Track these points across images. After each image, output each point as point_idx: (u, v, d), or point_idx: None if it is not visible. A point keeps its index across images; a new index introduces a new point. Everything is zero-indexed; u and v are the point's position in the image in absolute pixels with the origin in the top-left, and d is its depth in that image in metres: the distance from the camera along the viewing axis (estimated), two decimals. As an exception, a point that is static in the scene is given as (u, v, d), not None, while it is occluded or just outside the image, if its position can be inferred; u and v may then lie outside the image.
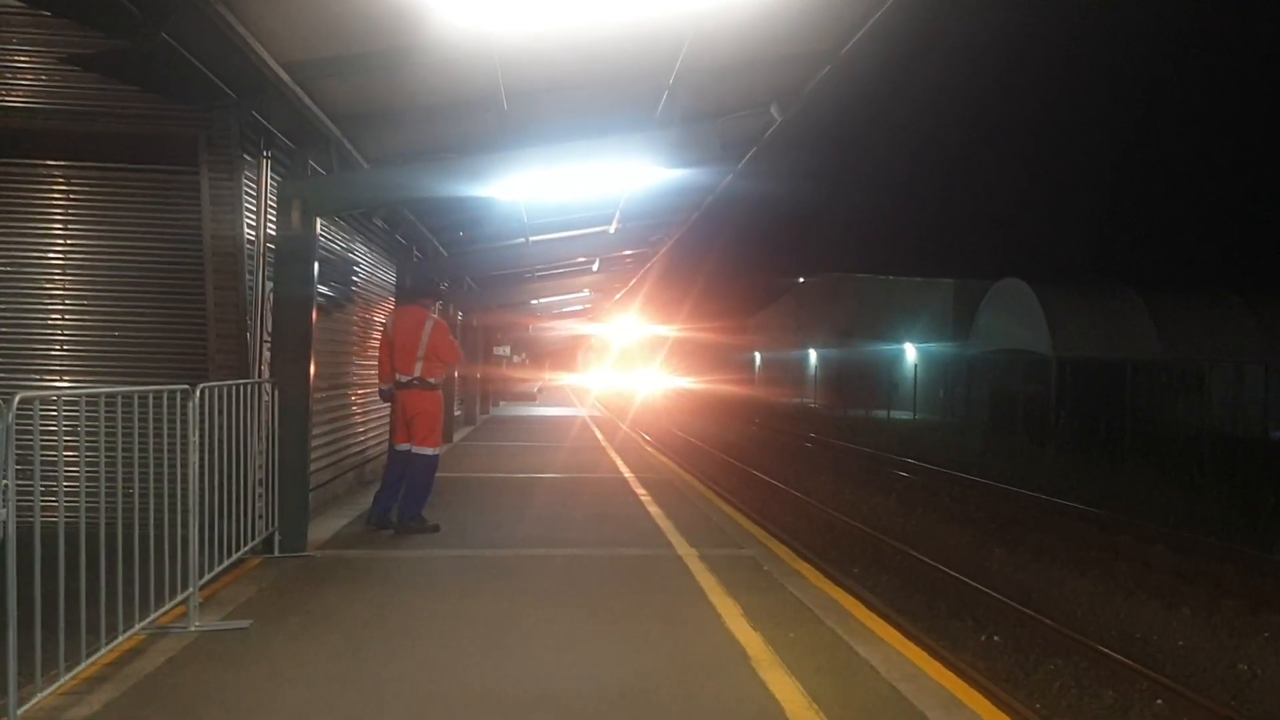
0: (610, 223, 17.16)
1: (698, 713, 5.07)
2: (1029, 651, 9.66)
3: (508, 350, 38.00)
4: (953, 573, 12.47)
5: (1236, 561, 13.71)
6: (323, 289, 10.69)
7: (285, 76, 7.39)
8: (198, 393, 6.21)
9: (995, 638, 10.09)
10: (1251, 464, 23.28)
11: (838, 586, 8.33)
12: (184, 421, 6.05)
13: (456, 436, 21.16)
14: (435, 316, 9.98)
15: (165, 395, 5.87)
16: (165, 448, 5.82)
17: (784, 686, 5.38)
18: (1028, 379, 36.14)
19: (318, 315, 9.83)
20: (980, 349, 41.83)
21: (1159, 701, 8.37)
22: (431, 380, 9.80)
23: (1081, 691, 8.66)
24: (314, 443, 9.57)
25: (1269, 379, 34.32)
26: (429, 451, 9.83)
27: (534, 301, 28.84)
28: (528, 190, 11.39)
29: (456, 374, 10.34)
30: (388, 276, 14.37)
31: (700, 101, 10.26)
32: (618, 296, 37.22)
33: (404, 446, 9.80)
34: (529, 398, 44.72)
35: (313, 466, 9.51)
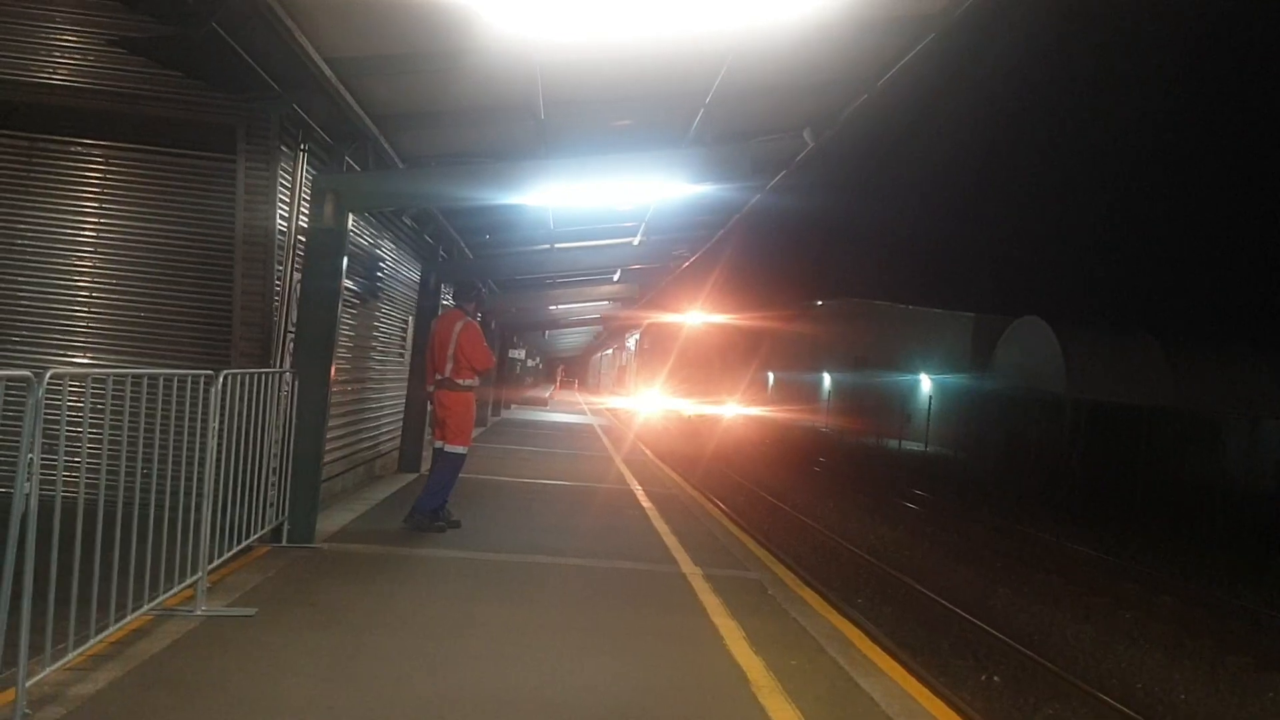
0: (635, 235, 17.22)
1: (696, 733, 5.08)
2: (1029, 694, 9.63)
3: (523, 354, 38.15)
4: (956, 609, 12.45)
5: (1243, 617, 13.66)
6: (348, 283, 10.75)
7: (328, 72, 7.45)
8: (221, 379, 6.26)
9: (995, 678, 10.06)
10: (1263, 519, 23.17)
11: (842, 616, 8.32)
12: (205, 407, 6.10)
13: (468, 438, 21.19)
14: (468, 319, 10.12)
15: (190, 380, 5.92)
16: (185, 431, 5.87)
17: (784, 713, 5.38)
18: (1043, 418, 35.99)
19: (341, 310, 9.92)
20: (997, 384, 41.68)
21: (1156, 753, 8.35)
22: (460, 381, 9.95)
23: (1078, 738, 8.63)
24: (328, 435, 9.60)
25: (1286, 432, 34.08)
26: (457, 450, 10.07)
27: (552, 308, 28.91)
28: (558, 199, 11.44)
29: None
30: (412, 274, 14.44)
31: (735, 122, 10.31)
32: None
33: (438, 444, 10.13)
34: (540, 402, 44.81)
35: (326, 459, 9.56)
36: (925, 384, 47.09)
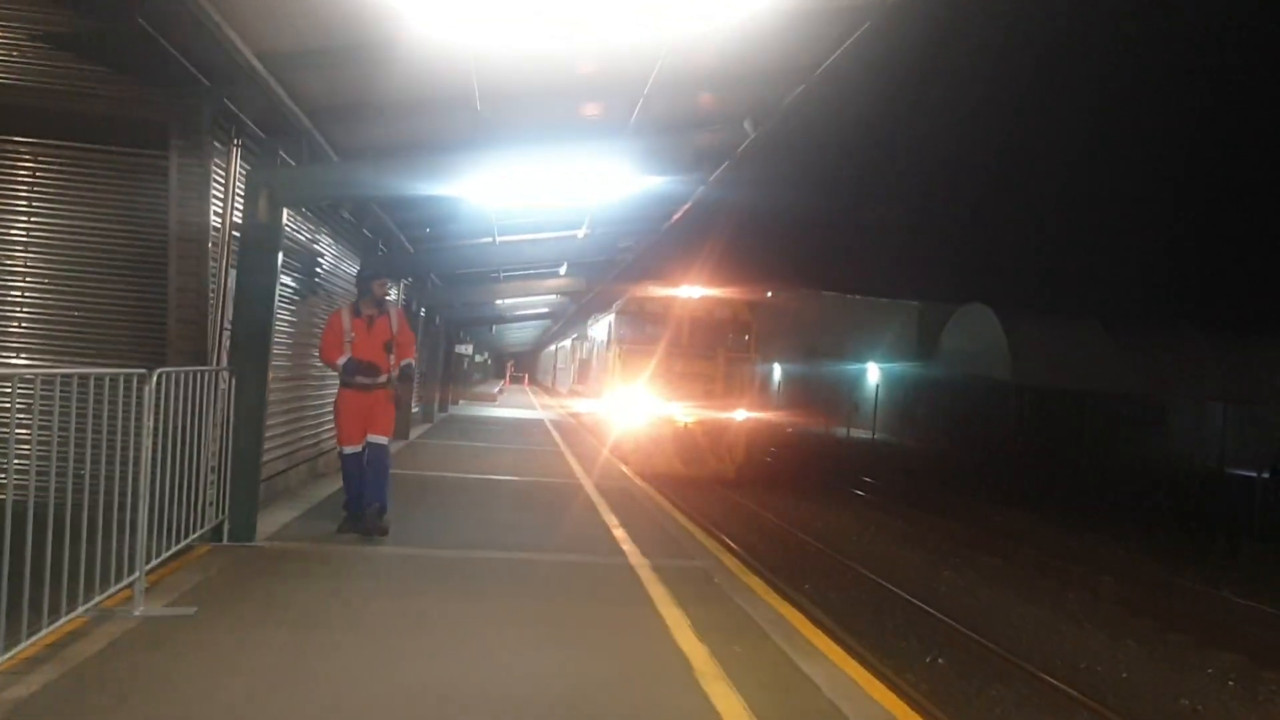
0: (580, 227, 17.19)
1: (638, 722, 5.10)
2: (974, 676, 9.74)
3: (470, 349, 37.87)
4: (902, 593, 12.58)
5: (1185, 596, 13.93)
6: (286, 280, 10.64)
7: (258, 66, 7.36)
8: (154, 378, 6.18)
9: (940, 660, 10.17)
10: (1207, 499, 23.65)
11: (786, 601, 8.39)
12: (139, 406, 6.02)
13: (413, 434, 21.12)
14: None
15: (121, 379, 5.83)
16: (119, 430, 5.78)
17: (726, 700, 5.41)
18: (989, 404, 36.45)
19: (279, 306, 9.82)
20: (944, 371, 42.15)
21: (1097, 731, 8.48)
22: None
23: (1023, 718, 8.74)
24: (269, 433, 9.51)
25: (1227, 416, 34.84)
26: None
27: (499, 302, 28.78)
28: (497, 191, 11.39)
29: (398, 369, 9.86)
30: (352, 269, 14.31)
31: (676, 113, 10.32)
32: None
33: None
34: (489, 398, 44.60)
35: (266, 457, 9.46)
36: (873, 373, 47.52)
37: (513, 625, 6.70)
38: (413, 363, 9.87)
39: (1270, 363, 38.57)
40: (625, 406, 22.23)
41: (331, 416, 10.04)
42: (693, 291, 23.24)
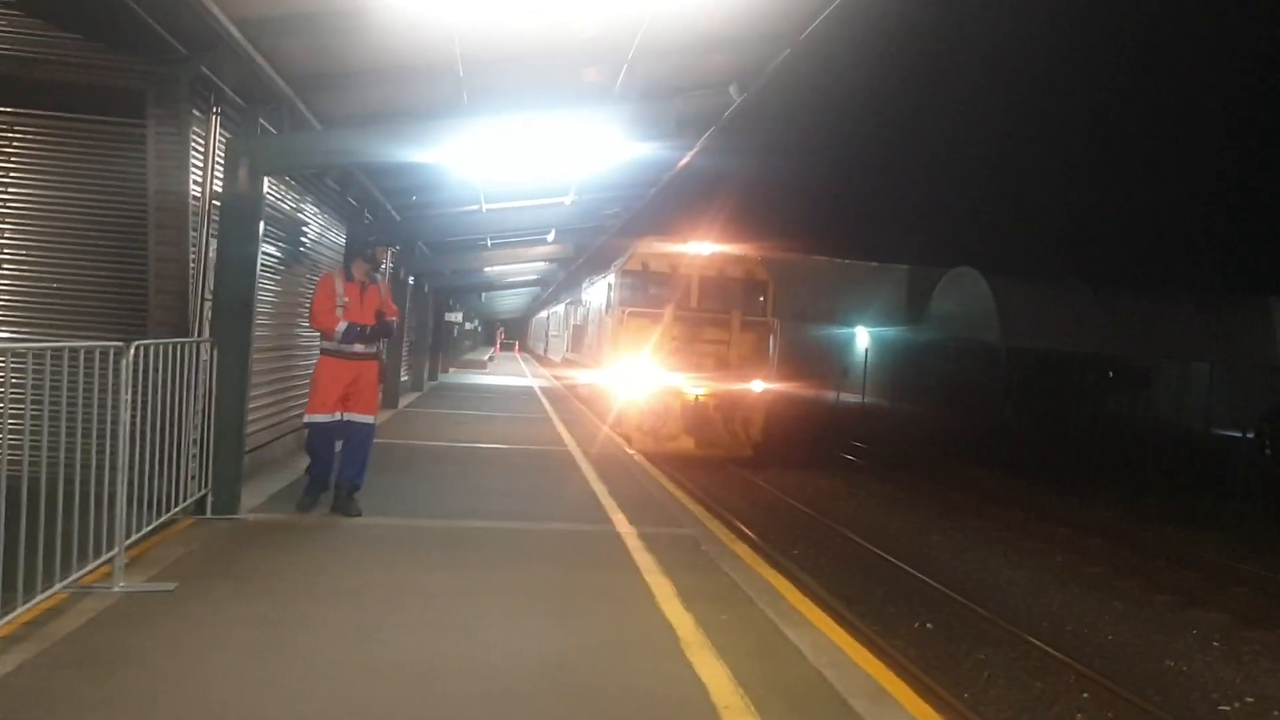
0: (567, 194, 17.08)
1: (621, 692, 5.08)
2: (961, 640, 9.77)
3: (459, 317, 37.72)
4: (891, 558, 12.61)
5: (1170, 556, 14.00)
6: (270, 249, 10.55)
7: (237, 33, 7.24)
8: (132, 350, 6.10)
9: (928, 625, 10.20)
10: (1193, 460, 23.75)
11: (773, 569, 8.38)
12: (116, 379, 5.95)
13: (402, 403, 21.07)
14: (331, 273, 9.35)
15: (98, 352, 5.76)
16: (96, 404, 5.73)
17: (711, 669, 5.40)
18: (977, 366, 36.50)
19: (263, 276, 9.72)
20: (933, 335, 42.17)
21: (1085, 695, 8.51)
22: (320, 343, 9.00)
23: (1010, 682, 8.77)
24: (253, 404, 9.44)
25: (1214, 378, 34.98)
26: (308, 419, 8.98)
27: (488, 269, 28.65)
28: (482, 157, 11.28)
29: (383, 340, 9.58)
30: (338, 238, 14.21)
31: (659, 78, 10.21)
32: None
33: None
34: (479, 365, 44.53)
35: (251, 429, 9.40)
36: (862, 337, 47.53)
37: (497, 595, 6.67)
38: (392, 323, 9.30)
39: (1253, 324, 38.68)
40: (628, 378, 19.77)
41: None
42: (703, 248, 20.66)
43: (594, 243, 24.85)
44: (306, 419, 8.89)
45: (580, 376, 28.32)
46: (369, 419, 9.06)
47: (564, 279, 35.10)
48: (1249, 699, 8.83)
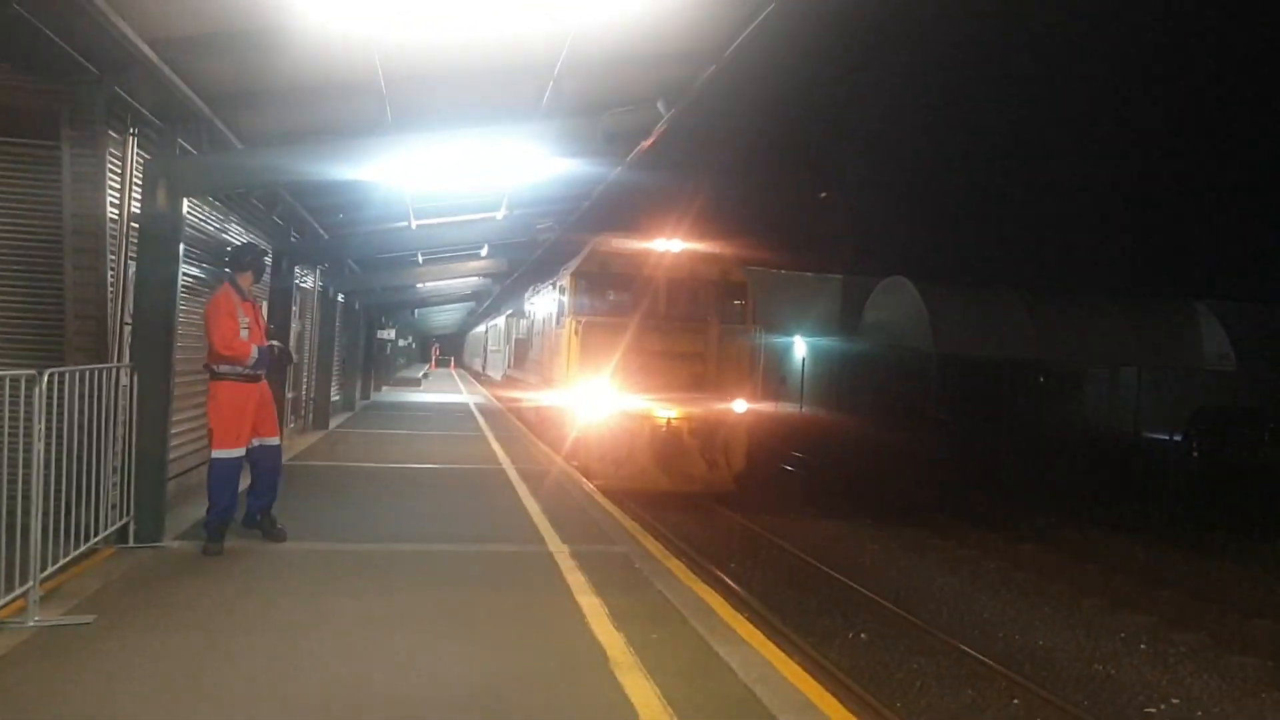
0: (498, 209, 17.01)
1: (550, 718, 5.04)
2: (894, 649, 9.85)
3: (392, 334, 37.41)
4: (826, 568, 12.69)
5: (1098, 559, 14.25)
6: (192, 270, 10.36)
7: (151, 54, 7.12)
8: (45, 378, 5.95)
9: (862, 635, 10.27)
10: (1124, 463, 24.21)
11: (707, 584, 8.37)
12: (29, 408, 5.80)
13: (333, 423, 20.82)
14: (222, 287, 8.48)
15: (8, 380, 5.62)
16: (6, 434, 5.57)
17: (640, 690, 5.37)
18: (911, 374, 36.90)
19: (185, 298, 9.54)
20: (868, 344, 42.58)
21: (1015, 701, 8.62)
22: (213, 367, 8.22)
23: (942, 690, 8.87)
24: (176, 429, 9.26)
25: (1143, 382, 35.72)
26: (217, 455, 8.25)
27: (420, 285, 28.45)
28: (409, 174, 11.22)
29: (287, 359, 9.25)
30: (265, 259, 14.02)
31: (587, 95, 10.21)
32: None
33: None
34: (413, 383, 44.17)
35: (174, 454, 9.23)
36: (799, 346, 47.86)
37: (425, 620, 6.59)
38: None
39: (1180, 329, 39.56)
40: (585, 399, 16.85)
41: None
42: (671, 245, 17.89)
43: (528, 257, 24.77)
44: (217, 455, 8.16)
45: (525, 397, 25.46)
46: (277, 441, 8.75)
47: (500, 292, 34.69)
48: (1174, 700, 9.00)
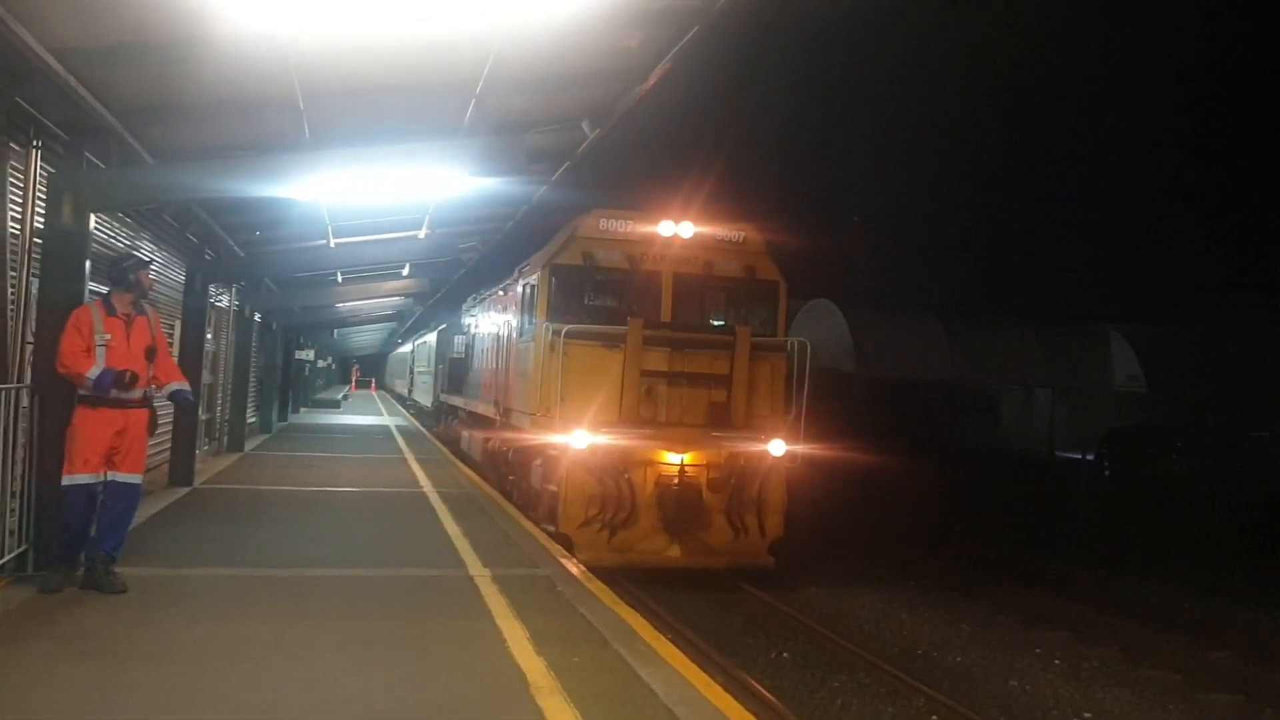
0: (420, 228, 16.84)
1: (468, 745, 4.94)
2: (816, 668, 9.85)
3: (311, 355, 36.85)
4: (749, 587, 12.66)
5: (1015, 576, 14.44)
6: (101, 289, 10.07)
7: (55, 63, 6.91)
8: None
9: (785, 654, 10.25)
10: (1037, 481, 24.66)
11: (629, 607, 8.30)
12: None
13: (249, 445, 20.40)
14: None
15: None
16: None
17: (561, 714, 5.29)
18: (834, 396, 37.22)
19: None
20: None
21: (934, 718, 8.66)
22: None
23: (862, 708, 8.87)
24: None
25: (1056, 403, 36.50)
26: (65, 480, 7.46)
27: (340, 305, 28.08)
28: (327, 192, 11.05)
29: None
30: (177, 276, 13.71)
31: (511, 113, 10.18)
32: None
33: None
34: (333, 405, 43.52)
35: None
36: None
37: (342, 646, 6.43)
38: (188, 391, 8.22)
39: (1091, 352, 40.51)
40: (563, 439, 12.14)
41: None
42: (682, 229, 13.04)
43: (450, 278, 24.57)
44: (66, 481, 7.39)
45: (466, 433, 21.16)
46: (137, 479, 7.80)
47: (424, 311, 34.34)
48: (1087, 714, 9.11)
